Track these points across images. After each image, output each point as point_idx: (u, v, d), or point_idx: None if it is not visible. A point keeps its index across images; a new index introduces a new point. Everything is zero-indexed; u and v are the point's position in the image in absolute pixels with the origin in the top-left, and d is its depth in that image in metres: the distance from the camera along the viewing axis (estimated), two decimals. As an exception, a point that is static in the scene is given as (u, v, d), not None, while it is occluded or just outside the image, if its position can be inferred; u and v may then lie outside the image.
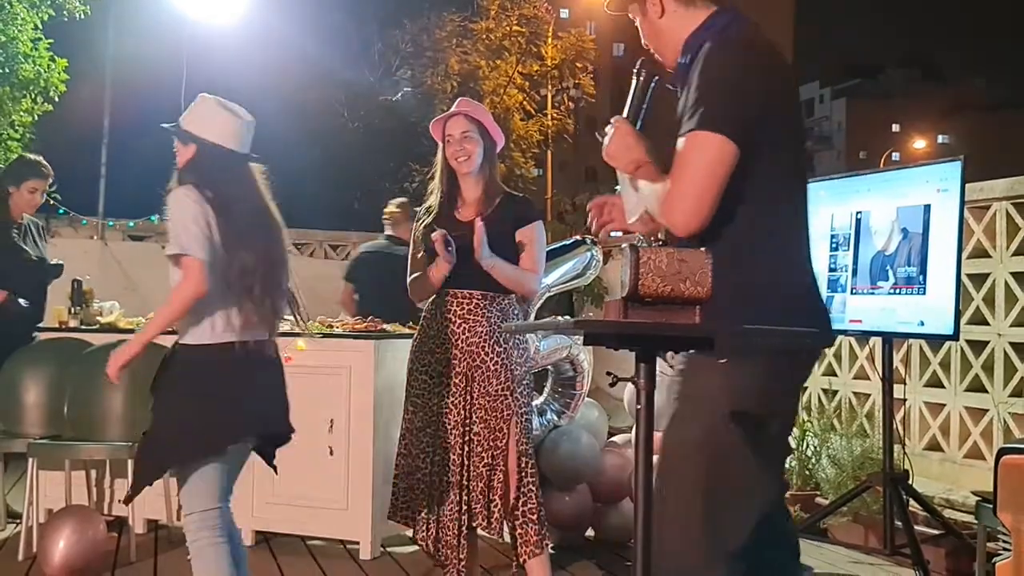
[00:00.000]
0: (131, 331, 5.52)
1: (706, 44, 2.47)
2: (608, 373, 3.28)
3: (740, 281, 2.33)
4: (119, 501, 5.39)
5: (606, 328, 2.19)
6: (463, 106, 4.16)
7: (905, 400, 6.33)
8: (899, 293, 4.51)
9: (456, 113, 4.12)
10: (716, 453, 2.38)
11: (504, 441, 3.94)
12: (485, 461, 3.95)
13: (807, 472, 5.70)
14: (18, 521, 5.23)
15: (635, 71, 2.54)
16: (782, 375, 2.46)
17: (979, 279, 5.90)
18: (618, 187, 2.63)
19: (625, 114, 2.53)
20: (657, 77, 2.56)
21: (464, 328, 3.98)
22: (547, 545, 4.02)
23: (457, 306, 4.01)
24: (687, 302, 2.06)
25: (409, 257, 4.18)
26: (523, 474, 3.96)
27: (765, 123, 2.39)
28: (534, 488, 3.99)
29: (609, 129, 2.51)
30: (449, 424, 3.99)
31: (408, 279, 4.15)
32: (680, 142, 2.37)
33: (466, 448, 3.97)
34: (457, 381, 3.99)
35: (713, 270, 2.11)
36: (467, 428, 3.97)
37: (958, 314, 4.30)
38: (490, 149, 4.10)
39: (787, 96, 2.53)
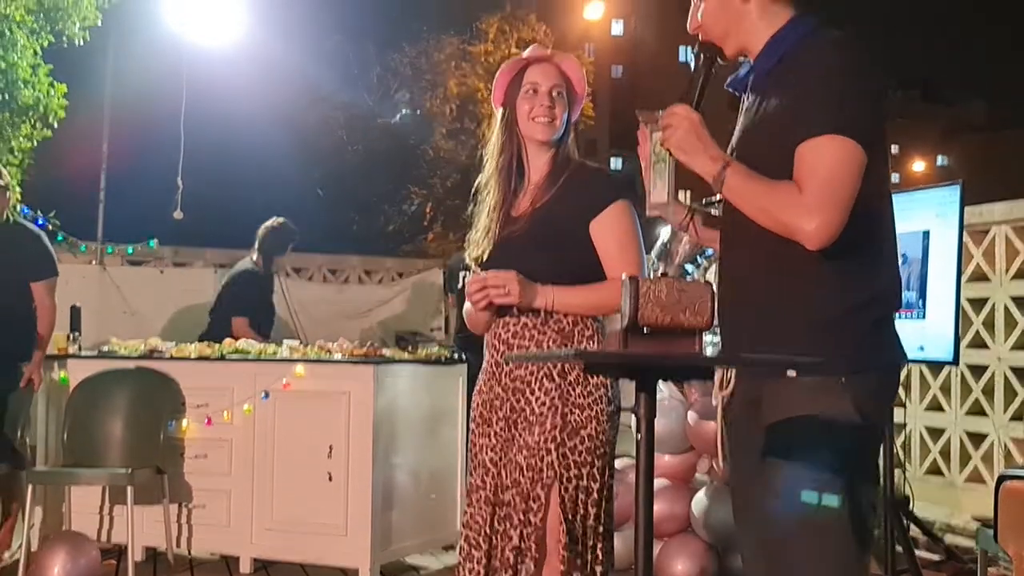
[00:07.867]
0: (129, 357, 5.51)
1: (805, 43, 2.24)
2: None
3: (860, 299, 2.31)
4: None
5: (606, 359, 2.19)
6: (551, 55, 3.05)
7: (905, 424, 6.32)
8: (899, 318, 4.50)
9: (543, 58, 3.02)
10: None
11: (538, 515, 2.77)
12: (513, 542, 2.79)
13: (808, 496, 5.67)
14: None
15: (696, 52, 2.29)
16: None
17: (978, 303, 5.89)
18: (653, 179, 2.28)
19: (693, 104, 2.24)
20: (718, 62, 2.32)
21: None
22: None
23: (503, 329, 2.94)
24: (687, 332, 2.06)
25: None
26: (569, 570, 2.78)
27: (881, 131, 2.25)
28: None
29: (668, 116, 2.20)
30: (485, 487, 2.91)
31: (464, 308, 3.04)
32: (807, 145, 2.13)
33: (495, 524, 2.86)
34: (497, 430, 2.91)
35: (832, 284, 2.18)
36: (498, 494, 2.87)
37: (958, 339, 4.29)
38: (571, 116, 3.06)
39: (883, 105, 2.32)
